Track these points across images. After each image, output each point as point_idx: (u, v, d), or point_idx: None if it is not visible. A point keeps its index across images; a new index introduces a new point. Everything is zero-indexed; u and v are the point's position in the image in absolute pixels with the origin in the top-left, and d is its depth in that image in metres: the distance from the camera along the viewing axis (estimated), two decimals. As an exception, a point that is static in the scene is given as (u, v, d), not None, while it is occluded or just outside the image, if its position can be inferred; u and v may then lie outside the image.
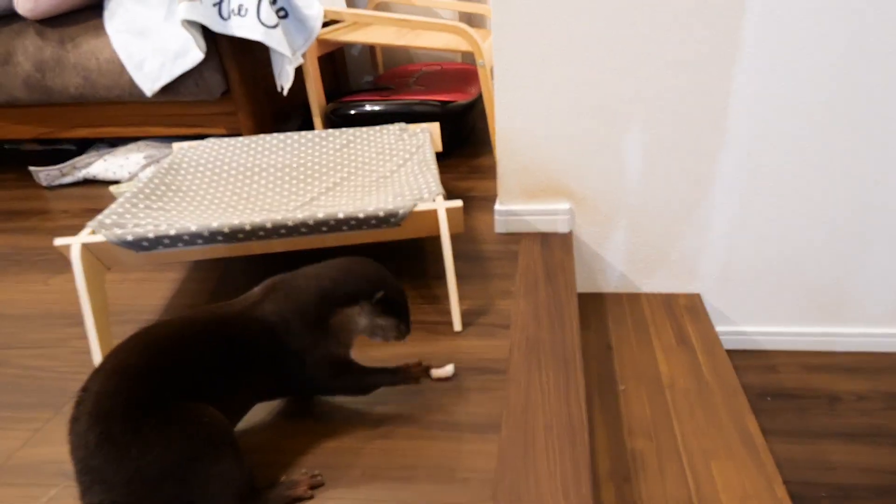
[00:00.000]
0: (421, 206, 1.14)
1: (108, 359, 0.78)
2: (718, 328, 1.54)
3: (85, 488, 0.71)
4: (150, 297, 1.35)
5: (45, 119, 1.89)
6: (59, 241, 1.10)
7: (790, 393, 1.55)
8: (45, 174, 1.97)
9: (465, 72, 2.35)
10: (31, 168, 1.95)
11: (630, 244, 1.54)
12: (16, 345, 1.22)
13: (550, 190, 1.49)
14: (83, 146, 2.15)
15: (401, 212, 1.12)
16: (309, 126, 2.12)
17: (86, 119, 1.87)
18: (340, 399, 1.02)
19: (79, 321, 1.11)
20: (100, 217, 1.16)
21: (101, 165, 1.98)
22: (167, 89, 1.73)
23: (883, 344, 1.63)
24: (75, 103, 1.84)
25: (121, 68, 1.72)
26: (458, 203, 1.15)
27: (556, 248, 1.46)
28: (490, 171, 1.89)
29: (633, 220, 1.51)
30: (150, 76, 1.71)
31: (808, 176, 1.40)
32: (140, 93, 1.74)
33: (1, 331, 1.26)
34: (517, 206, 1.51)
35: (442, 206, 1.14)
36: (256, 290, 0.93)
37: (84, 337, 1.08)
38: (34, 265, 1.51)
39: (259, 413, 0.98)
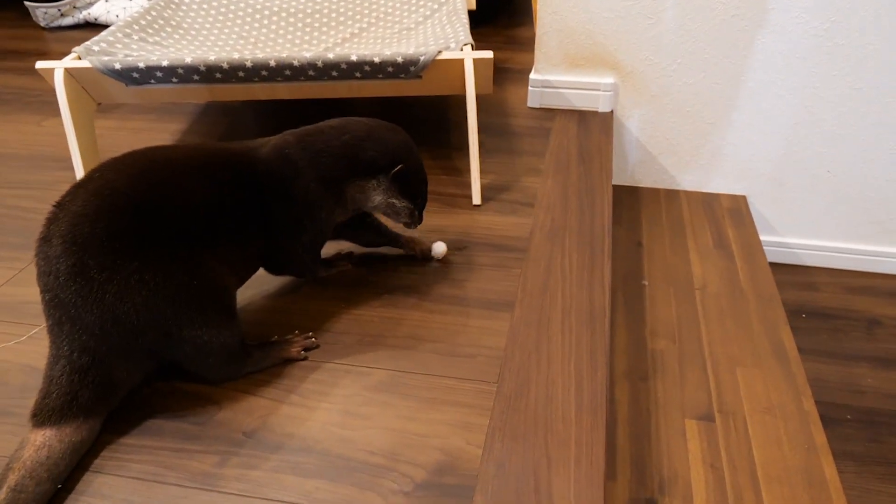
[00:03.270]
0: (445, 55, 1.01)
1: (94, 175, 0.68)
2: (761, 237, 1.43)
3: (53, 323, 0.64)
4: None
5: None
6: (41, 65, 1.00)
7: (828, 313, 1.46)
8: (42, 12, 1.84)
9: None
10: (28, 3, 1.82)
11: (678, 132, 1.41)
12: (2, 184, 1.16)
13: (595, 59, 1.34)
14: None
15: (422, 59, 1.00)
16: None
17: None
18: (336, 266, 0.95)
19: (71, 165, 1.04)
20: (87, 43, 1.05)
21: (102, 7, 1.85)
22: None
23: (939, 269, 1.52)
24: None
25: None
26: (488, 54, 1.02)
27: (594, 128, 1.34)
28: (528, 44, 1.72)
29: (685, 104, 1.36)
30: None
31: (888, 71, 1.23)
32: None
33: None
34: (555, 77, 1.37)
35: (469, 57, 1.01)
36: (275, 137, 0.82)
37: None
38: (28, 105, 1.43)
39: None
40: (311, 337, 0.80)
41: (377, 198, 0.82)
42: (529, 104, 1.40)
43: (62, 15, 1.85)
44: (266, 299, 0.88)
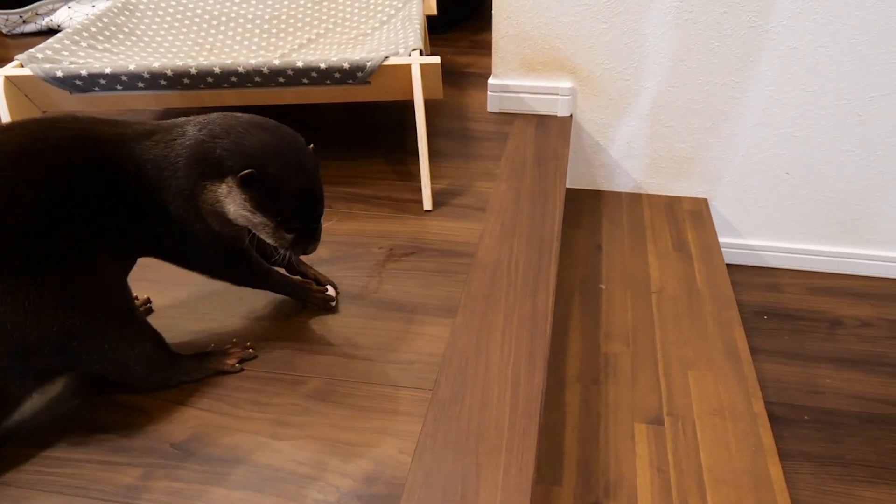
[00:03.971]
0: (392, 61, 1.01)
1: None
2: (722, 239, 1.44)
3: None
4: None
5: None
6: (-18, 73, 0.99)
7: (790, 314, 1.47)
8: (4, 18, 1.82)
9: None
10: (-9, 10, 1.81)
11: (637, 135, 1.41)
12: None
13: (552, 63, 1.34)
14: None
15: (368, 65, 0.99)
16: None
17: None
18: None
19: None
20: (31, 50, 1.04)
21: (65, 13, 1.83)
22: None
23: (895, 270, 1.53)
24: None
25: None
26: (436, 59, 1.02)
27: (552, 132, 1.34)
28: (493, 48, 1.73)
29: (643, 108, 1.36)
30: None
31: (848, 74, 1.24)
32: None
33: None
34: (514, 81, 1.37)
35: (417, 62, 1.01)
36: (148, 125, 0.70)
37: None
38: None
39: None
40: (250, 347, 0.79)
41: (230, 208, 0.67)
42: (489, 109, 1.40)
43: (24, 22, 1.84)
44: (199, 306, 0.88)
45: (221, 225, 0.70)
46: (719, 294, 1.24)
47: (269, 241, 0.70)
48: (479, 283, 0.92)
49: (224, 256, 0.75)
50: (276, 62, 0.98)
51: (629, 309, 1.20)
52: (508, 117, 1.39)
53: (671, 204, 1.48)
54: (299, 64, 0.98)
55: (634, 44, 1.28)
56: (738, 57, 1.26)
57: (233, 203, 0.67)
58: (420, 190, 1.11)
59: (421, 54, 1.04)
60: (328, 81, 1.01)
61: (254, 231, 0.70)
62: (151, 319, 0.81)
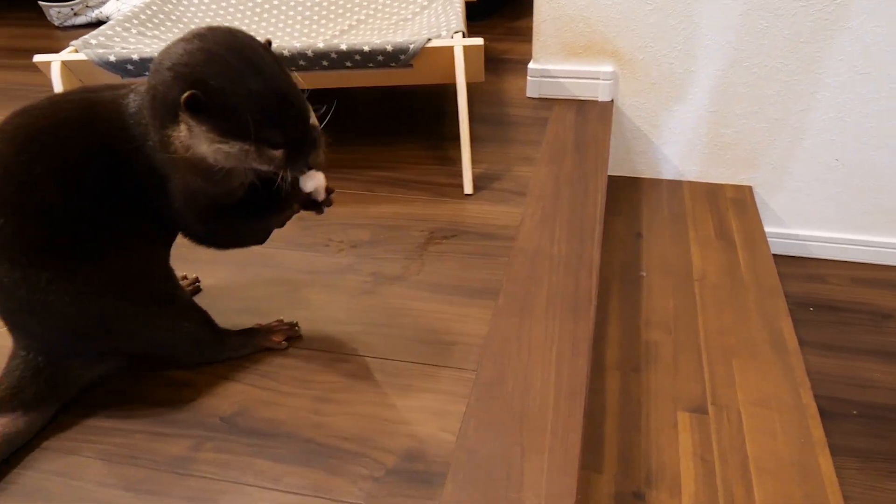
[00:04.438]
0: (435, 43, 0.99)
1: None
2: (767, 228, 1.39)
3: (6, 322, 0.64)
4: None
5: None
6: (38, 58, 1.01)
7: (835, 305, 1.41)
8: (56, 11, 1.86)
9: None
10: (42, 3, 1.85)
11: (679, 121, 1.37)
12: None
13: (593, 47, 1.31)
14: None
15: (411, 47, 0.98)
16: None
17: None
18: (323, 247, 0.94)
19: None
20: (86, 36, 1.05)
21: (113, 5, 1.86)
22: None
23: (953, 260, 1.46)
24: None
25: None
26: (479, 41, 1.00)
27: (592, 117, 1.31)
28: (529, 34, 1.69)
29: (686, 92, 1.32)
30: None
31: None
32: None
33: None
34: (554, 66, 1.34)
35: (459, 44, 0.99)
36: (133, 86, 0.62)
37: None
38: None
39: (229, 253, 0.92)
40: (296, 325, 0.79)
41: (203, 149, 0.56)
42: (528, 94, 1.38)
43: (75, 14, 1.87)
44: (243, 285, 0.88)
45: (215, 182, 0.59)
46: (764, 283, 1.20)
47: (263, 170, 0.58)
48: (520, 267, 0.90)
49: (202, 209, 0.64)
50: (321, 45, 0.97)
51: (670, 297, 1.17)
52: (548, 102, 1.36)
53: (713, 191, 1.44)
54: (343, 47, 0.97)
55: (680, 26, 1.24)
56: (787, 38, 1.21)
57: (201, 142, 0.55)
58: (459, 174, 1.10)
59: (463, 37, 1.02)
60: (371, 64, 1.00)
61: (242, 166, 0.58)
62: (198, 299, 0.82)
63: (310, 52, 0.98)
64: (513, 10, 1.86)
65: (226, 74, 0.53)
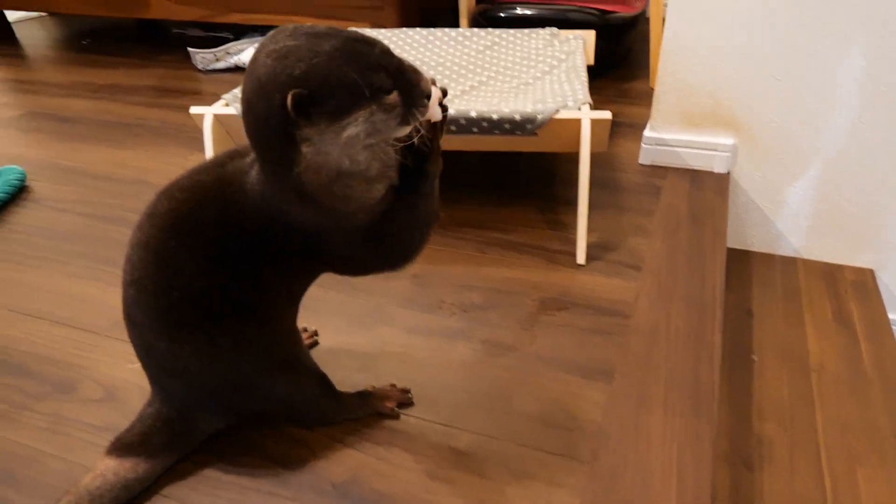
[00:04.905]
0: (563, 114, 0.95)
1: (140, 227, 0.58)
2: (892, 316, 1.23)
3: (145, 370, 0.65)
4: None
5: (207, 3, 1.87)
6: (194, 110, 1.05)
7: (964, 405, 1.23)
8: (200, 57, 1.97)
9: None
10: (190, 49, 1.96)
11: (800, 195, 1.25)
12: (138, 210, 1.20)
13: (714, 119, 1.22)
14: (239, 35, 2.13)
15: (539, 117, 0.94)
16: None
17: (243, 5, 1.83)
18: (436, 308, 0.90)
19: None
20: (236, 91, 1.09)
21: (251, 53, 1.95)
22: (320, -26, 1.63)
23: None
24: (235, -14, 1.79)
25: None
26: (607, 115, 0.95)
27: (707, 188, 1.22)
28: (642, 98, 1.63)
29: (809, 167, 1.21)
30: (306, -42, 1.60)
31: None
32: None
33: (139, 196, 1.25)
34: (670, 135, 1.26)
35: (587, 117, 0.94)
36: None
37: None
38: (178, 140, 1.50)
39: (346, 305, 0.89)
40: (409, 393, 0.75)
41: (333, 151, 0.49)
42: (641, 161, 1.31)
43: (217, 59, 1.98)
44: (358, 342, 0.85)
45: (367, 181, 0.52)
46: (891, 378, 1.06)
47: (389, 131, 0.50)
48: (636, 347, 0.83)
49: (362, 231, 0.57)
50: (451, 112, 0.95)
51: (784, 385, 1.05)
52: (661, 170, 1.28)
53: (831, 272, 1.30)
54: (472, 114, 0.95)
55: (808, 101, 1.14)
56: (933, 123, 1.08)
57: (329, 143, 0.48)
58: (571, 240, 1.04)
59: (591, 108, 0.97)
60: (497, 131, 0.97)
61: (376, 141, 0.50)
62: (314, 352, 0.80)
63: (439, 117, 0.96)
64: (625, 72, 1.79)
65: (303, 58, 0.46)
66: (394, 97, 0.49)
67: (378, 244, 0.59)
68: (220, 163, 0.59)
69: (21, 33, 2.38)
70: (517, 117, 0.95)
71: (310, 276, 0.64)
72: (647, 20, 1.70)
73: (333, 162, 0.49)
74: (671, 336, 0.84)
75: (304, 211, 0.54)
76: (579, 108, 0.98)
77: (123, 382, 0.78)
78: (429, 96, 0.51)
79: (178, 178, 0.59)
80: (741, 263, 1.34)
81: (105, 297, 0.94)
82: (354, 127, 0.48)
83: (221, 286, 0.57)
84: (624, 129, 1.46)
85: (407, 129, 0.51)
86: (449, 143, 1.01)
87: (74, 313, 0.90)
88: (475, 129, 0.97)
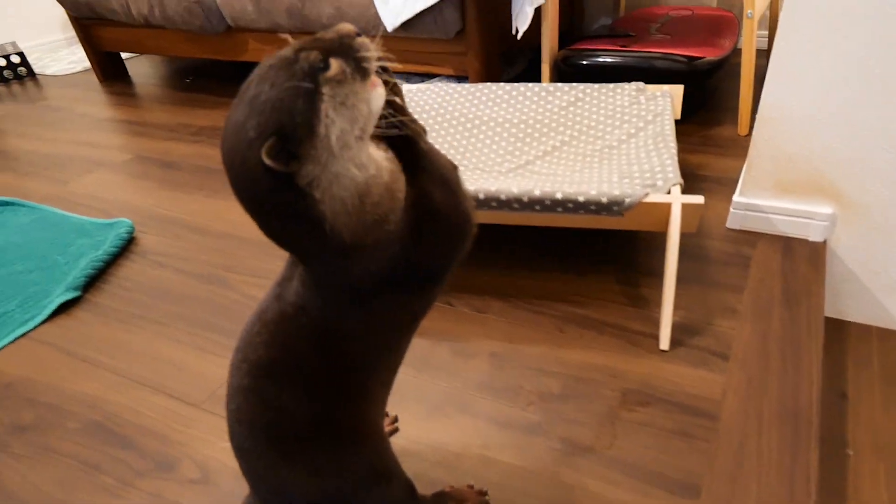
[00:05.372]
0: (652, 197, 0.89)
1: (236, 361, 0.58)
2: None
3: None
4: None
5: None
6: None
7: None
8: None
9: (719, 20, 1.90)
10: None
11: (906, 274, 1.13)
12: (239, 269, 1.21)
13: (812, 186, 1.12)
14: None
15: (627, 201, 0.89)
16: (534, 71, 1.90)
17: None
18: (514, 394, 0.87)
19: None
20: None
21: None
22: (405, 25, 1.62)
23: None
24: (325, 31, 1.81)
25: (368, 1, 1.64)
26: (699, 199, 0.88)
27: (801, 260, 1.12)
28: (730, 146, 1.52)
29: (921, 248, 1.09)
30: (394, 11, 1.60)
31: None
32: (382, 27, 1.65)
33: (228, 251, 1.27)
34: (763, 201, 1.17)
35: (678, 201, 0.88)
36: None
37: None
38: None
39: (424, 388, 0.88)
40: (486, 495, 0.73)
41: (336, 167, 0.44)
42: (728, 225, 1.22)
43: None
44: (437, 434, 0.84)
45: (385, 199, 0.47)
46: None
47: (361, 100, 0.45)
48: (723, 459, 0.77)
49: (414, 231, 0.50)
50: (537, 192, 0.92)
51: (882, 487, 0.95)
52: (750, 236, 1.19)
53: (938, 351, 1.17)
54: (558, 196, 0.91)
55: (925, 179, 1.02)
56: None
57: (329, 161, 0.43)
58: (652, 320, 0.98)
59: (682, 190, 0.91)
60: (582, 211, 0.92)
61: (364, 124, 0.45)
62: (393, 440, 0.79)
63: (525, 198, 0.93)
64: (711, 115, 1.68)
65: (246, 118, 0.43)
66: (334, 64, 0.43)
67: (433, 225, 0.51)
68: (276, 296, 0.56)
69: (133, 70, 2.53)
70: (604, 200, 0.90)
71: (396, 351, 0.60)
72: (738, 51, 1.59)
73: (347, 180, 0.44)
74: (763, 452, 0.78)
75: (362, 271, 0.49)
76: (669, 191, 0.92)
77: (219, 464, 0.80)
78: (352, 34, 0.45)
79: (255, 322, 0.57)
80: (835, 335, 1.23)
81: (202, 366, 0.97)
82: (330, 122, 0.43)
83: (323, 412, 0.57)
84: (710, 185, 1.37)
85: (374, 84, 0.46)
86: (532, 219, 0.98)
87: (174, 382, 0.94)
88: (559, 210, 0.93)
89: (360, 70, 0.44)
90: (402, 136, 0.50)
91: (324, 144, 0.43)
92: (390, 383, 0.63)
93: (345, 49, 0.44)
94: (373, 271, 0.49)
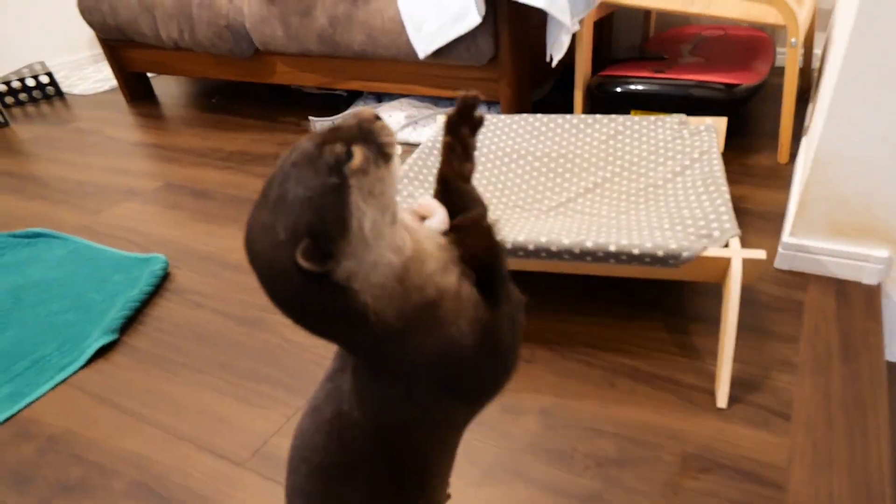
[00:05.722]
0: (711, 252, 0.84)
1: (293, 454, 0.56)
2: None
3: None
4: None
5: (328, 70, 1.87)
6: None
7: None
8: (319, 124, 1.99)
9: (753, 41, 1.84)
10: (311, 118, 1.96)
11: (968, 322, 1.07)
12: (276, 310, 1.15)
13: (867, 229, 1.07)
14: (353, 94, 2.14)
15: (684, 255, 0.85)
16: (561, 91, 1.86)
17: (361, 73, 1.82)
18: (568, 458, 0.82)
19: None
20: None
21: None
22: (438, 51, 1.58)
23: None
24: (356, 58, 1.78)
25: (401, 28, 1.60)
26: (762, 254, 0.84)
27: (856, 305, 1.07)
28: (771, 176, 1.46)
29: (985, 296, 1.03)
30: (427, 38, 1.56)
31: None
32: (414, 54, 1.61)
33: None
34: (814, 243, 1.12)
35: (738, 256, 0.84)
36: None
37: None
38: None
39: (477, 456, 0.84)
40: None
41: (372, 258, 0.43)
42: (777, 265, 1.17)
43: (335, 126, 1.98)
44: (490, 496, 0.80)
45: (430, 282, 0.45)
46: None
47: (388, 187, 0.43)
48: (795, 535, 0.72)
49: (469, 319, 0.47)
50: (589, 244, 0.87)
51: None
52: (799, 278, 1.14)
53: None
54: (612, 249, 0.87)
55: None
56: None
57: (366, 253, 0.42)
58: (705, 372, 0.94)
59: (740, 241, 0.86)
60: (636, 263, 0.88)
61: (393, 210, 0.44)
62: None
63: (577, 250, 0.88)
64: (748, 141, 1.62)
65: (275, 218, 0.41)
66: (358, 153, 0.42)
67: (493, 364, 0.50)
68: (329, 392, 0.53)
69: (158, 90, 2.51)
70: (660, 253, 0.86)
71: (453, 442, 0.58)
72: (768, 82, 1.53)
73: (385, 267, 0.43)
74: (836, 523, 0.73)
75: (418, 368, 0.47)
76: (727, 244, 0.87)
77: (265, 533, 0.77)
78: (372, 118, 0.44)
79: (310, 421, 0.54)
80: (891, 378, 1.17)
81: (244, 420, 0.93)
82: (362, 214, 0.41)
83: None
84: (753, 220, 1.31)
85: (397, 166, 0.45)
86: (584, 268, 0.94)
87: (218, 438, 0.91)
88: (612, 261, 0.89)
89: (383, 155, 0.43)
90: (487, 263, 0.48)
91: (358, 238, 0.42)
92: (450, 466, 0.60)
93: (365, 135, 0.43)
94: (423, 363, 0.47)
